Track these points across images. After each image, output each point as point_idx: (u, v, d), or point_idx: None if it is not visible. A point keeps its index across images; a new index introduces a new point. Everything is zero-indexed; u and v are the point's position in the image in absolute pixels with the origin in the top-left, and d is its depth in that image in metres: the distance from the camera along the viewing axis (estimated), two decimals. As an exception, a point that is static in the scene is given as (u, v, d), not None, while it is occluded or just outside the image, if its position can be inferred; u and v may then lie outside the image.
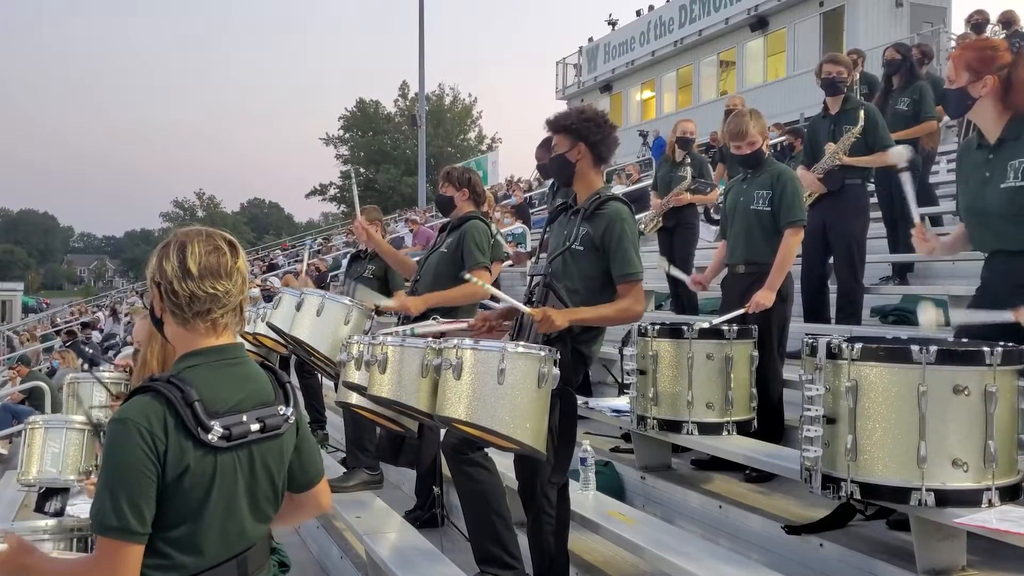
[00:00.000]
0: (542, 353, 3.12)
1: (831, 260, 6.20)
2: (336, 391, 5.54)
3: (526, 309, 3.47)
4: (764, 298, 4.65)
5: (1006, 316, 3.14)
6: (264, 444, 2.10)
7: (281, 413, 2.13)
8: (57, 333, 24.68)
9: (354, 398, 3.90)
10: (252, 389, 2.12)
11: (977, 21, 9.82)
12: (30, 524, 2.28)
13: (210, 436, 1.96)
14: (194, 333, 2.10)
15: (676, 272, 5.86)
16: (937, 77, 8.24)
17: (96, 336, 23.36)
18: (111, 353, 18.39)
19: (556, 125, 3.76)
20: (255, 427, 2.05)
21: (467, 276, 3.85)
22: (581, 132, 3.69)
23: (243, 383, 2.11)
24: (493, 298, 4.42)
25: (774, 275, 4.71)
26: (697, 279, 5.46)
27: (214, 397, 2.01)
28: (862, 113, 5.95)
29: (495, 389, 3.00)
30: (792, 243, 4.76)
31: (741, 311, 4.69)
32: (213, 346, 2.10)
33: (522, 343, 3.17)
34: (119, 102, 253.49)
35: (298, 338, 4.48)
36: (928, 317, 3.38)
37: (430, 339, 3.29)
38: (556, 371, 3.14)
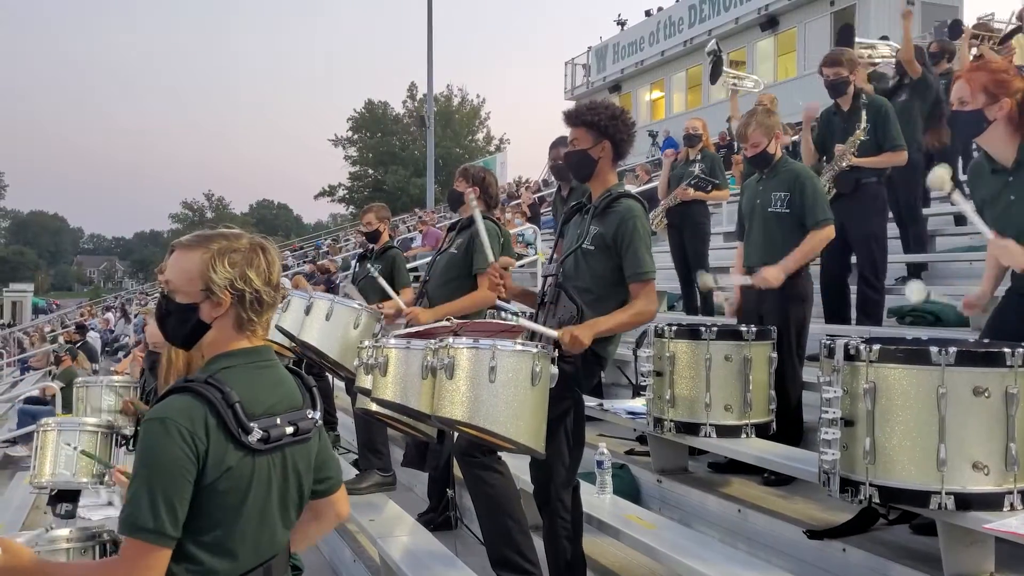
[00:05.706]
0: (534, 350, 3.06)
1: (852, 260, 6.09)
2: (347, 393, 5.54)
3: (553, 333, 3.28)
4: (770, 274, 4.54)
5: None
6: (296, 448, 2.09)
7: (310, 417, 2.12)
8: (54, 340, 24.58)
9: (374, 405, 3.87)
10: (284, 392, 2.11)
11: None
12: (50, 535, 2.26)
13: (250, 438, 1.95)
14: (241, 336, 2.08)
15: (725, 281, 5.01)
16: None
17: (94, 336, 23.31)
18: (121, 354, 18.42)
19: (579, 119, 3.63)
20: (289, 430, 2.05)
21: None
22: (609, 130, 3.60)
23: (276, 386, 2.10)
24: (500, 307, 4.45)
25: (791, 259, 4.59)
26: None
27: (251, 399, 2.00)
28: (864, 113, 5.80)
29: (487, 388, 2.95)
30: (820, 237, 4.65)
31: (748, 281, 4.64)
32: (246, 348, 2.09)
33: (519, 342, 3.10)
34: (128, 104, 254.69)
35: (308, 343, 4.45)
36: (916, 291, 3.39)
37: (430, 341, 3.22)
38: (553, 369, 3.08)
